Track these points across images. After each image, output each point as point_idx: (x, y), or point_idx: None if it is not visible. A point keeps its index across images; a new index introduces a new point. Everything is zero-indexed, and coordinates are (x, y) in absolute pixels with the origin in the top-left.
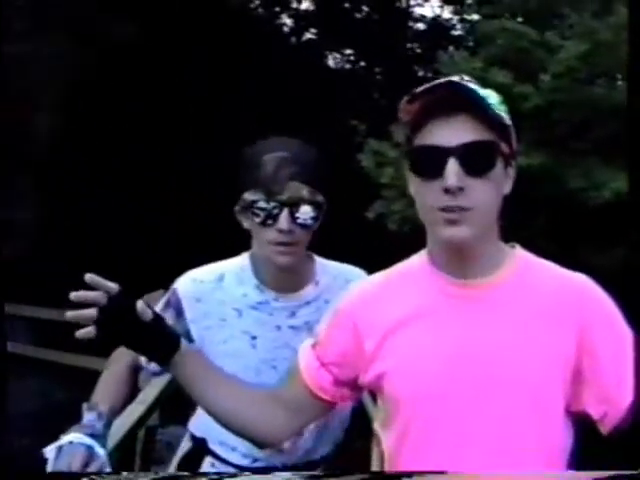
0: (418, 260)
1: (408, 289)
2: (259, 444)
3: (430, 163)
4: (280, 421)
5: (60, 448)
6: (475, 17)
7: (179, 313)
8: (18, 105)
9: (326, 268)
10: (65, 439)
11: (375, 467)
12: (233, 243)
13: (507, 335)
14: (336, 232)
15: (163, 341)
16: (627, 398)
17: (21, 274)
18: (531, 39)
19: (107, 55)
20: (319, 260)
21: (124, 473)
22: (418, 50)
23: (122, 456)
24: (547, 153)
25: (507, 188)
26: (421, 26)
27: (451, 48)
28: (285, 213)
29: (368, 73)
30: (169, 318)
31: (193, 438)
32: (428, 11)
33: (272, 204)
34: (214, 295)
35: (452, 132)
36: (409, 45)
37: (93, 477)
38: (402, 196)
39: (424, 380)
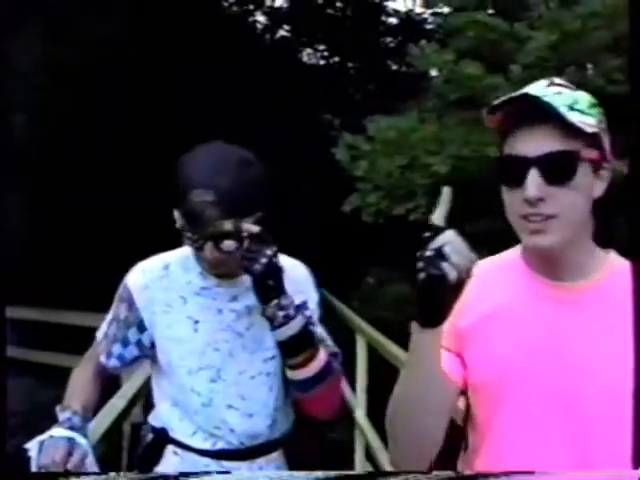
0: (513, 256)
1: (502, 283)
2: (426, 453)
3: (513, 172)
4: (444, 429)
5: (42, 443)
6: (446, 10)
7: (131, 304)
8: None
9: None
10: (46, 434)
11: (359, 458)
12: None
13: (594, 338)
14: (314, 225)
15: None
16: None
17: (3, 274)
18: (501, 31)
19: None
20: None
21: (111, 473)
22: (391, 44)
23: (108, 451)
24: None
25: (598, 191)
26: (394, 20)
27: (423, 41)
28: (209, 245)
29: (342, 68)
30: (123, 311)
31: (153, 430)
32: (400, 5)
33: (196, 236)
34: (161, 283)
35: (533, 142)
36: (382, 39)
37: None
38: (376, 189)
39: (509, 370)
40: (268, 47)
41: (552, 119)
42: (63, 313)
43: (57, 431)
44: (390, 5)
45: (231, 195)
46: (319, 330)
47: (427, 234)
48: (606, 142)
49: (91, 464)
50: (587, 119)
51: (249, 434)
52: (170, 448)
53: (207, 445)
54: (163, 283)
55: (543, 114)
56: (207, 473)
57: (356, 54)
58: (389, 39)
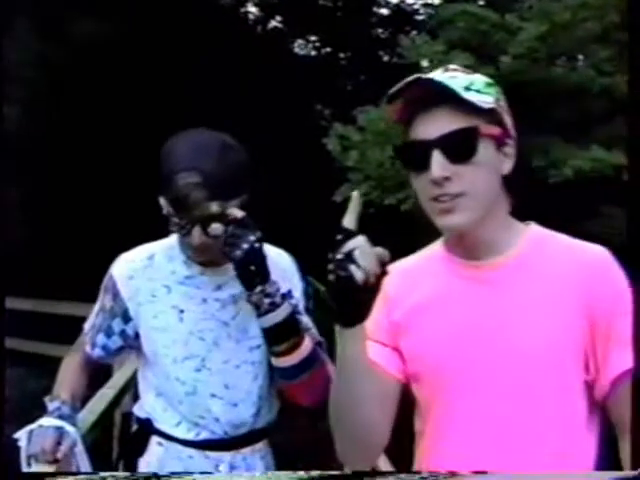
0: (437, 246)
1: (429, 273)
2: (367, 446)
3: (416, 157)
4: (389, 424)
5: (31, 432)
6: (437, 1)
7: (115, 294)
8: None
9: None
10: (35, 424)
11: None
12: None
13: (516, 312)
14: (305, 215)
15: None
16: (613, 372)
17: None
18: (491, 22)
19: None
20: None
21: (101, 473)
22: (382, 35)
23: (99, 439)
24: None
25: (506, 168)
26: (385, 11)
27: (414, 32)
28: (197, 229)
29: (333, 59)
30: (108, 301)
31: (137, 420)
32: None
33: (184, 221)
34: (145, 272)
35: (433, 125)
36: (373, 30)
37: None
38: (367, 179)
39: (446, 358)
40: (260, 38)
41: (449, 101)
42: (54, 303)
43: (46, 420)
44: None
45: (216, 177)
46: (305, 319)
47: (338, 237)
48: (507, 119)
49: (80, 452)
50: (484, 97)
51: (233, 423)
52: (154, 439)
53: (191, 435)
54: (147, 273)
55: (440, 97)
56: (190, 474)
57: (347, 45)
58: (380, 30)
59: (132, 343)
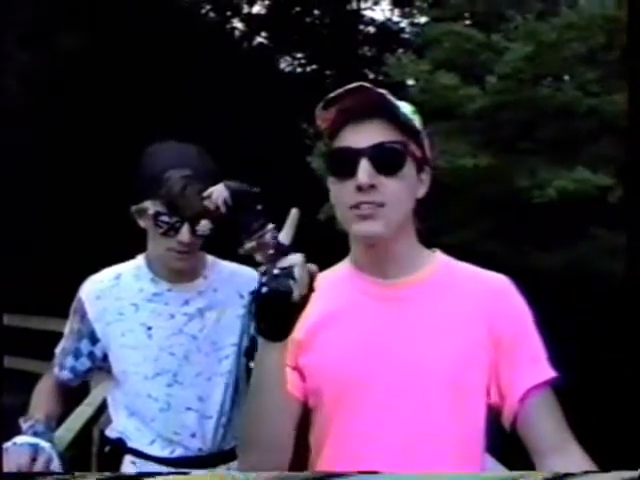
0: (344, 264)
1: (333, 290)
2: (272, 459)
3: (344, 164)
4: (291, 435)
5: (5, 450)
6: (424, 20)
7: (83, 315)
8: None
9: (215, 264)
10: (9, 442)
11: None
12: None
13: (421, 331)
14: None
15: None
16: (520, 390)
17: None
18: (477, 41)
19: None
20: (210, 258)
21: (76, 473)
22: (368, 53)
23: (77, 456)
24: (493, 154)
25: (421, 192)
26: (371, 29)
27: (400, 51)
28: (186, 227)
29: (319, 76)
30: (76, 323)
31: (109, 441)
32: (379, 14)
33: (174, 218)
34: (112, 292)
35: (364, 135)
36: (360, 48)
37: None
38: None
39: (346, 373)
40: (246, 54)
41: (382, 114)
42: (29, 318)
43: (20, 438)
44: (368, 14)
45: (205, 172)
46: None
47: (271, 252)
48: (427, 147)
49: (57, 469)
50: (413, 120)
51: (208, 438)
52: (128, 458)
53: (165, 453)
54: (114, 292)
55: (374, 109)
56: (167, 474)
57: (334, 62)
58: (366, 48)
59: (100, 364)
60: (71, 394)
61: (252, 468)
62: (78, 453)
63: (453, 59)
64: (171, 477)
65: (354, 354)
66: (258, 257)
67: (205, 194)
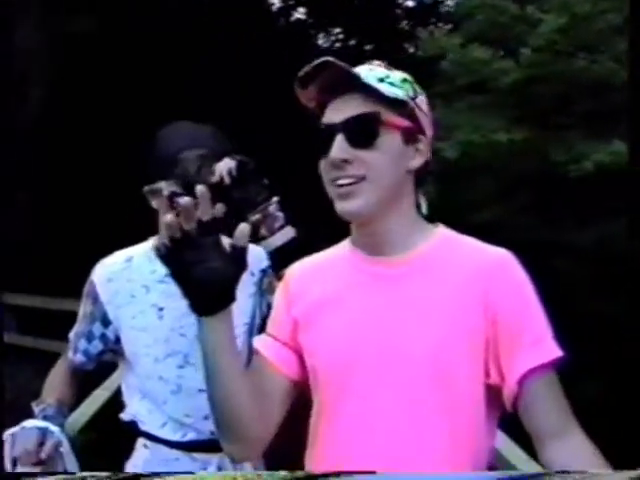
0: (344, 243)
1: (332, 269)
2: (246, 442)
3: (323, 141)
4: (271, 418)
5: (14, 434)
6: None
7: (95, 298)
8: None
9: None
10: (18, 426)
11: None
12: None
13: (415, 309)
14: (319, 221)
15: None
16: (518, 371)
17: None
18: (511, 14)
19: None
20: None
21: (79, 473)
22: (407, 28)
23: (92, 440)
24: (528, 128)
25: (415, 163)
26: (411, 3)
27: (439, 25)
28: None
29: (358, 52)
30: (88, 306)
31: (123, 423)
32: None
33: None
34: (123, 274)
35: (340, 110)
36: (398, 23)
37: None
38: None
39: (337, 354)
40: (283, 30)
41: (358, 89)
42: (63, 300)
43: (29, 422)
44: None
45: (221, 152)
46: None
47: (277, 224)
48: (422, 116)
49: (67, 453)
50: (395, 90)
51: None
52: (140, 441)
53: (177, 436)
54: (126, 275)
55: (350, 84)
56: (169, 474)
57: (372, 37)
58: (405, 22)
59: (113, 347)
60: (85, 378)
61: (230, 454)
62: (94, 437)
63: (486, 32)
64: (181, 476)
65: (347, 334)
66: (262, 231)
67: (212, 169)
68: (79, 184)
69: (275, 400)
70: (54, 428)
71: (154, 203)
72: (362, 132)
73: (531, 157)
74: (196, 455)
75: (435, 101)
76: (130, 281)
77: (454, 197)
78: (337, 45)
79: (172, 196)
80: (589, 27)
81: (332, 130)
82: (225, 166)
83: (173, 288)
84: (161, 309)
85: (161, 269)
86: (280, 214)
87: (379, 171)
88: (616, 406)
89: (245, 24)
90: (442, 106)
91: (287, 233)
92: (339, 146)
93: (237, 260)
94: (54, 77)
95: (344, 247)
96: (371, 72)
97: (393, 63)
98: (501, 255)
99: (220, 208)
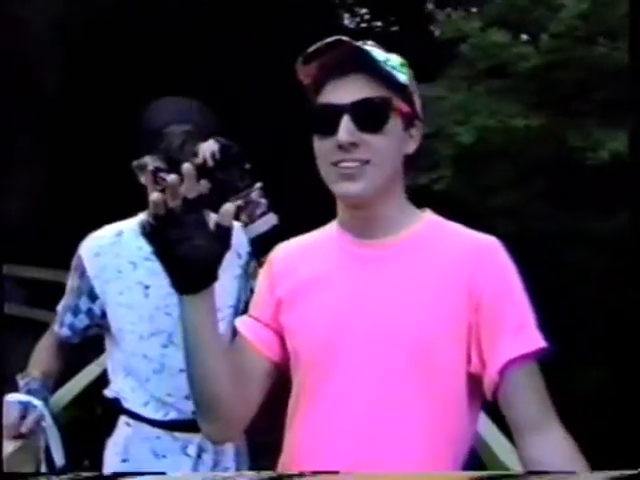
0: (332, 224)
1: (319, 251)
2: (225, 422)
3: (326, 120)
4: (251, 399)
5: None
6: None
7: (82, 272)
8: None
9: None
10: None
11: None
12: None
13: (400, 293)
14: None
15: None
16: (500, 360)
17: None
18: None
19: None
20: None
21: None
22: (429, 10)
23: (79, 416)
24: (546, 114)
25: (410, 148)
26: None
27: (454, 8)
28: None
29: (384, 33)
30: (75, 280)
31: (106, 400)
32: None
33: (174, 175)
34: (112, 249)
35: (347, 90)
36: (425, 4)
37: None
38: None
39: (319, 334)
40: (307, 8)
41: (365, 69)
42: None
43: (12, 396)
44: None
45: (207, 128)
46: None
47: (258, 211)
48: (417, 101)
49: (50, 427)
50: (398, 74)
51: None
52: (123, 419)
53: (159, 415)
54: (114, 249)
55: (357, 64)
56: (141, 474)
57: (399, 19)
58: (431, 4)
59: (99, 322)
60: (72, 352)
61: (208, 435)
62: (80, 414)
63: (505, 15)
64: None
65: (331, 316)
66: (243, 217)
67: (196, 148)
68: (90, 156)
69: (255, 381)
70: (37, 402)
71: (142, 178)
72: (373, 116)
73: (548, 143)
74: (177, 434)
75: (454, 84)
76: (118, 256)
77: (470, 182)
78: (362, 25)
79: (156, 171)
80: (610, 13)
81: (338, 111)
82: (209, 148)
83: (159, 266)
84: (147, 287)
85: (147, 246)
86: (263, 201)
87: (384, 156)
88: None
89: (268, 4)
90: (461, 90)
91: (269, 220)
92: (347, 128)
93: (221, 239)
94: (53, 66)
95: (331, 229)
96: (373, 52)
97: (422, 45)
98: (488, 241)
99: (205, 184)
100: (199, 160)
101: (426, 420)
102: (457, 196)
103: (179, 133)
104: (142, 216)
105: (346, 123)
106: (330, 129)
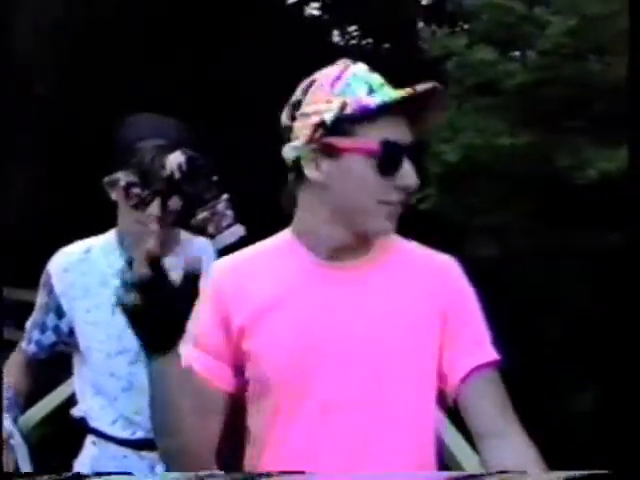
0: (285, 240)
1: (279, 269)
2: (187, 455)
3: (389, 159)
4: (211, 432)
5: None
6: None
7: (50, 289)
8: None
9: (190, 242)
10: None
11: None
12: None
13: (368, 311)
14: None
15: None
16: (462, 369)
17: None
18: (518, 14)
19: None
20: (185, 234)
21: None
22: (427, 27)
23: (48, 435)
24: (533, 132)
25: None
26: (426, 2)
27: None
28: (157, 201)
29: (375, 50)
30: (43, 297)
31: (73, 420)
32: None
33: (146, 191)
34: (80, 267)
35: (402, 130)
36: (417, 21)
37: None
38: None
39: (290, 359)
40: (296, 26)
41: (408, 110)
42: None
43: None
44: None
45: (180, 143)
46: None
47: (224, 223)
48: None
49: (18, 445)
50: None
51: None
52: (89, 438)
53: (126, 434)
54: (83, 267)
55: (429, 104)
56: (109, 474)
57: (389, 36)
58: (421, 21)
59: (66, 339)
60: (41, 370)
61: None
62: (50, 433)
63: (492, 33)
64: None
65: (298, 337)
66: (210, 229)
67: (163, 161)
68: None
69: (212, 413)
70: (5, 420)
71: (112, 195)
72: (416, 161)
73: (535, 162)
74: (144, 453)
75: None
76: (86, 274)
77: (456, 201)
78: (352, 43)
79: (128, 187)
80: (599, 29)
81: (400, 151)
82: (175, 160)
83: None
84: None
85: (117, 263)
86: (229, 212)
87: None
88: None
89: (257, 20)
90: (450, 108)
91: (236, 232)
92: (412, 171)
93: (187, 293)
94: (56, 67)
95: (287, 245)
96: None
97: (411, 63)
98: (447, 261)
99: (176, 202)
100: (167, 172)
101: (414, 433)
102: (443, 215)
103: (150, 147)
104: (112, 233)
105: (410, 166)
106: (393, 168)
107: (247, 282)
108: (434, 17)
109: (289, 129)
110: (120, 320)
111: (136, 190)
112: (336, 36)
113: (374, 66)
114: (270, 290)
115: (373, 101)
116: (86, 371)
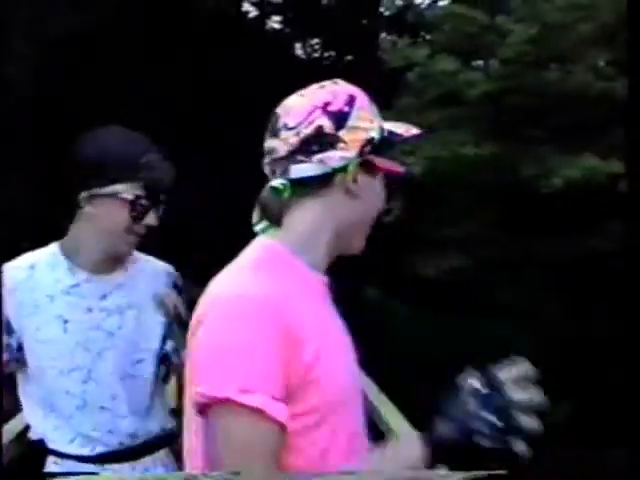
0: (273, 251)
1: (302, 290)
2: None
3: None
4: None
5: None
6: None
7: None
8: None
9: (137, 258)
10: None
11: None
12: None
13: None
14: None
15: None
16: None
17: None
18: (480, 24)
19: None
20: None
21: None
22: (388, 37)
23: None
24: (497, 142)
25: None
26: (390, 12)
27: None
28: (154, 211)
29: (337, 62)
30: None
31: (31, 443)
32: None
33: (150, 201)
34: (27, 284)
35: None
36: (379, 33)
37: None
38: None
39: (346, 377)
40: (258, 39)
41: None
42: None
43: None
44: None
45: (169, 158)
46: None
47: None
48: None
49: None
50: None
51: (126, 434)
52: (50, 459)
53: (86, 450)
54: (29, 284)
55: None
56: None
57: (351, 48)
58: (384, 32)
59: (16, 356)
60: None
61: None
62: (21, 451)
63: (454, 42)
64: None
65: (340, 357)
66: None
67: None
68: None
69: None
70: None
71: (90, 208)
72: None
73: (499, 171)
74: (107, 466)
75: (403, 114)
76: (34, 290)
77: (422, 213)
78: (315, 55)
79: (136, 200)
80: (561, 37)
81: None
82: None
83: (78, 300)
84: (66, 321)
85: (65, 278)
86: None
87: None
88: None
89: (218, 34)
90: (411, 119)
91: None
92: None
93: None
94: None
95: (275, 256)
96: None
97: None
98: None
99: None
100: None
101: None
102: (407, 228)
103: (157, 161)
104: (55, 246)
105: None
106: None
107: (296, 306)
108: (395, 28)
109: (333, 137)
110: (72, 337)
111: (143, 202)
112: (298, 49)
113: (339, 77)
114: (311, 312)
115: (400, 130)
116: (35, 391)
